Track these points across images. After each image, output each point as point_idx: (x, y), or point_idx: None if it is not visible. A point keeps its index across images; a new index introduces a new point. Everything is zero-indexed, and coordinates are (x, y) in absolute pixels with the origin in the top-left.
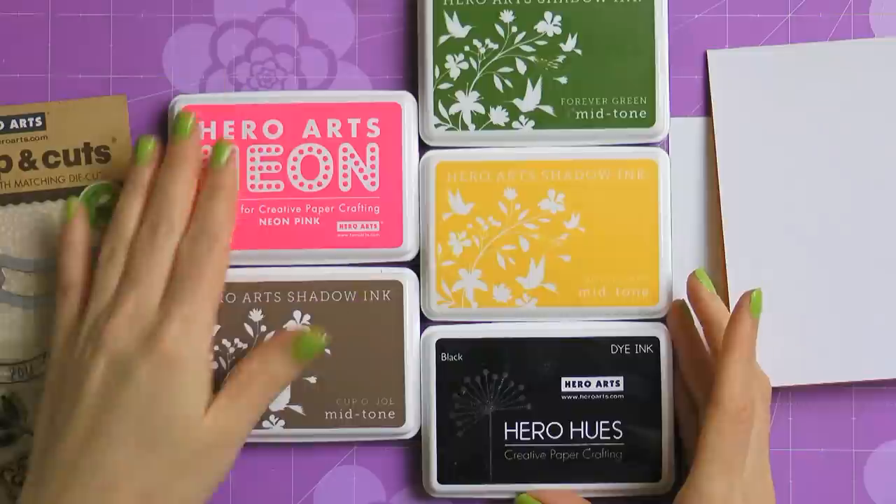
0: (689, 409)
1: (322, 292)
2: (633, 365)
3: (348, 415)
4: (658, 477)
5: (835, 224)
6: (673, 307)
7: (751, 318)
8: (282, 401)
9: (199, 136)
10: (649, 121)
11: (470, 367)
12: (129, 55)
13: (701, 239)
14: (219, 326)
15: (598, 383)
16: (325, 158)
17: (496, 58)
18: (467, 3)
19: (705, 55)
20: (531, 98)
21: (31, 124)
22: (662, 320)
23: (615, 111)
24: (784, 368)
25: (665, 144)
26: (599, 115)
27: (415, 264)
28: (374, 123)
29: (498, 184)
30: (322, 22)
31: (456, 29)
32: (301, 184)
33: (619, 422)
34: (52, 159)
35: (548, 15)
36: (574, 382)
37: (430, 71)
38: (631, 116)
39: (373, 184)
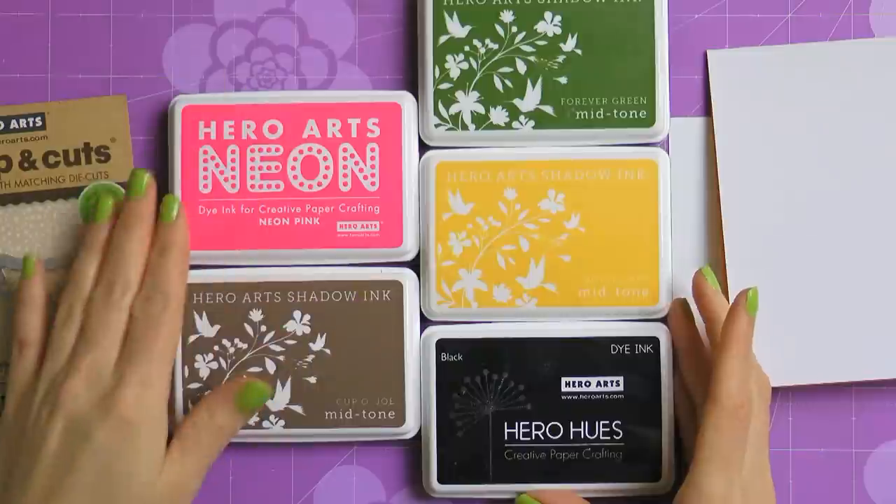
0: (690, 409)
1: (322, 292)
2: (633, 365)
3: (348, 415)
4: (658, 477)
5: (835, 224)
6: (673, 305)
7: (747, 315)
8: (282, 401)
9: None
10: (649, 121)
11: (470, 367)
12: (129, 55)
13: (701, 239)
14: (219, 327)
15: (598, 383)
16: (325, 158)
17: (496, 58)
18: (467, 3)
19: (705, 55)
20: (531, 98)
21: (31, 124)
22: (662, 320)
23: (615, 111)
24: (784, 368)
25: (665, 144)
26: (599, 115)
27: (415, 264)
28: (374, 123)
29: (498, 184)
30: (322, 22)
31: (456, 29)
32: (301, 184)
33: (619, 422)
34: (52, 159)
35: (548, 15)
36: (574, 382)
37: (430, 71)
38: (631, 116)
39: (373, 184)
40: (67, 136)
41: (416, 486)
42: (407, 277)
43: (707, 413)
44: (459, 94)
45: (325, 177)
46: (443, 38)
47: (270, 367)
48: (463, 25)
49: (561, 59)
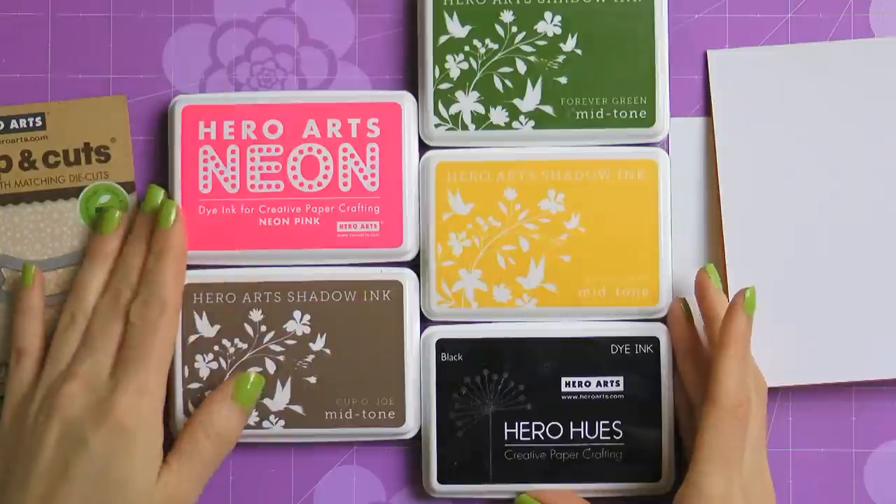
0: (690, 409)
1: (322, 292)
2: (633, 365)
3: (348, 415)
4: (658, 477)
5: (835, 224)
6: (673, 305)
7: (745, 315)
8: (282, 401)
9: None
10: (649, 121)
11: (470, 367)
12: (129, 55)
13: (701, 239)
14: (219, 327)
15: (598, 383)
16: (325, 158)
17: (496, 58)
18: (467, 3)
19: (705, 55)
20: (531, 98)
21: (31, 124)
22: (662, 320)
23: (615, 111)
24: (784, 368)
25: (665, 144)
26: (599, 115)
27: (415, 264)
28: (374, 123)
29: (498, 184)
30: (322, 22)
31: (456, 29)
32: (301, 184)
33: (618, 422)
34: (52, 159)
35: (548, 15)
36: (574, 382)
37: (430, 71)
38: (631, 116)
39: (373, 184)
40: (67, 136)
41: (416, 486)
42: (407, 277)
43: (706, 413)
44: (459, 94)
45: (325, 177)
46: (443, 38)
47: (270, 367)
48: (463, 25)
49: (561, 59)
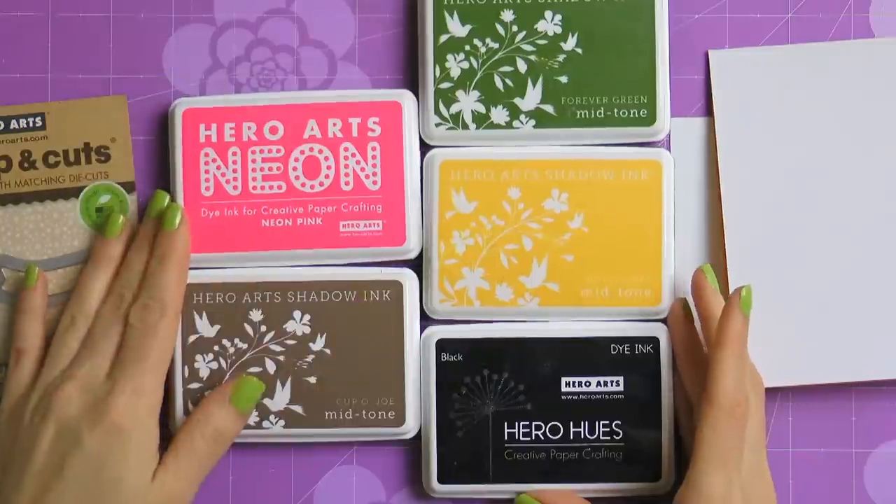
0: (690, 409)
1: (322, 292)
2: (633, 365)
3: (348, 415)
4: (658, 477)
5: (835, 224)
6: (673, 305)
7: (741, 314)
8: (282, 401)
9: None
10: (650, 120)
11: (470, 366)
12: (129, 55)
13: (702, 238)
14: (219, 327)
15: (598, 383)
16: (326, 158)
17: (497, 57)
18: (468, 2)
19: (706, 55)
20: (532, 97)
21: (31, 124)
22: (664, 320)
23: (616, 110)
24: (785, 368)
25: (666, 144)
26: (600, 114)
27: (418, 263)
28: (374, 122)
29: (502, 182)
30: (322, 22)
31: (456, 28)
32: (303, 184)
33: (618, 422)
34: (52, 159)
35: (548, 14)
36: (574, 382)
37: (430, 70)
38: (631, 115)
39: (374, 182)
40: (67, 136)
41: (416, 486)
42: (407, 277)
43: (703, 413)
44: (460, 94)
45: (327, 177)
46: (443, 38)
47: (270, 367)
48: (463, 25)
49: (561, 58)
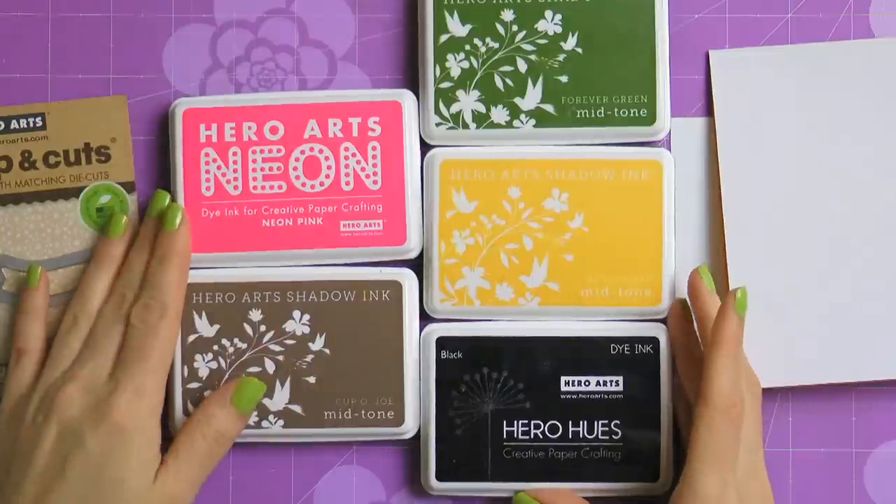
0: (689, 410)
1: (322, 292)
2: (632, 365)
3: (347, 415)
4: (656, 477)
5: (835, 223)
6: (673, 305)
7: (736, 315)
8: (281, 400)
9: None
10: (650, 119)
11: (470, 365)
12: (129, 55)
13: (702, 239)
14: (218, 327)
15: (598, 383)
16: (326, 158)
17: (497, 56)
18: (468, 1)
19: (706, 55)
20: (532, 97)
21: (31, 124)
22: (664, 321)
23: (616, 109)
24: (784, 368)
25: (666, 144)
26: (600, 113)
27: (419, 262)
28: (374, 122)
29: (502, 182)
30: (322, 22)
31: (456, 28)
32: (303, 184)
33: (617, 422)
34: (52, 159)
35: (548, 13)
36: (573, 382)
37: (430, 70)
38: (631, 115)
39: (375, 182)
40: (67, 136)
41: (416, 485)
42: (406, 277)
43: (699, 413)
44: (460, 93)
45: (328, 176)
46: (443, 37)
47: (270, 366)
48: (463, 24)
49: (561, 57)
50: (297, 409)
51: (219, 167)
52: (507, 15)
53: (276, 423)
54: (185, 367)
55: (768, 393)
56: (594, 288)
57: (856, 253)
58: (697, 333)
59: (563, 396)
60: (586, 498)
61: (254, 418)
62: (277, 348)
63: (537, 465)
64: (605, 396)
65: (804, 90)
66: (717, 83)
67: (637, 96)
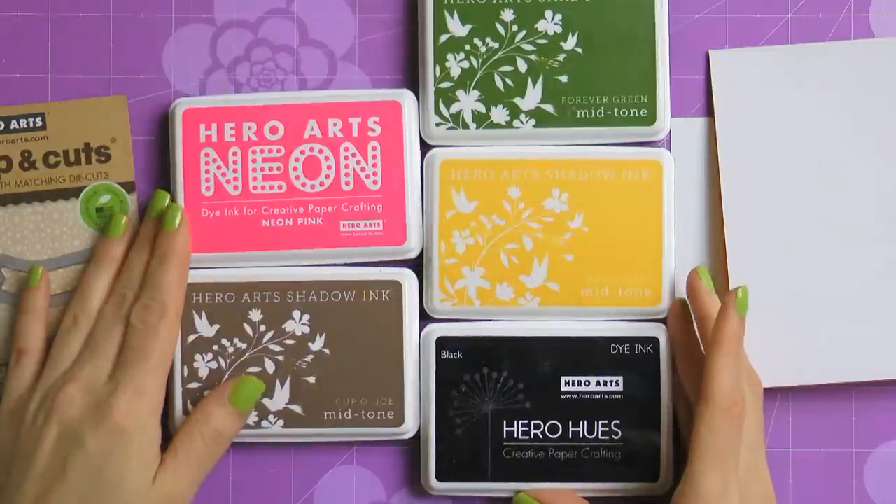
0: (690, 410)
1: (321, 292)
2: (632, 365)
3: (347, 415)
4: (656, 477)
5: (836, 223)
6: (673, 306)
7: (737, 315)
8: (281, 400)
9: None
10: (650, 119)
11: (470, 364)
12: (129, 55)
13: (702, 239)
14: (218, 327)
15: (598, 383)
16: (326, 158)
17: (497, 56)
18: (468, 1)
19: (706, 55)
20: (532, 96)
21: (31, 124)
22: (664, 321)
23: (616, 109)
24: (784, 368)
25: (666, 144)
26: (600, 113)
27: (419, 262)
28: (374, 122)
29: (502, 182)
30: (322, 22)
31: (456, 28)
32: (303, 184)
33: (618, 422)
34: (52, 159)
35: (548, 13)
36: (574, 382)
37: (430, 70)
38: (631, 115)
39: (375, 182)
40: (67, 136)
41: (416, 485)
42: (406, 277)
43: (700, 412)
44: (460, 93)
45: (328, 176)
46: (443, 37)
47: (269, 366)
48: (463, 24)
49: (561, 57)
50: (296, 409)
51: (219, 167)
52: (507, 15)
53: (275, 423)
54: (185, 367)
55: (768, 393)
56: (594, 288)
57: (856, 253)
58: (697, 333)
59: (563, 396)
60: (586, 498)
61: (254, 418)
62: (277, 348)
63: (537, 465)
64: (605, 396)
65: (804, 90)
66: (717, 83)
67: (637, 96)
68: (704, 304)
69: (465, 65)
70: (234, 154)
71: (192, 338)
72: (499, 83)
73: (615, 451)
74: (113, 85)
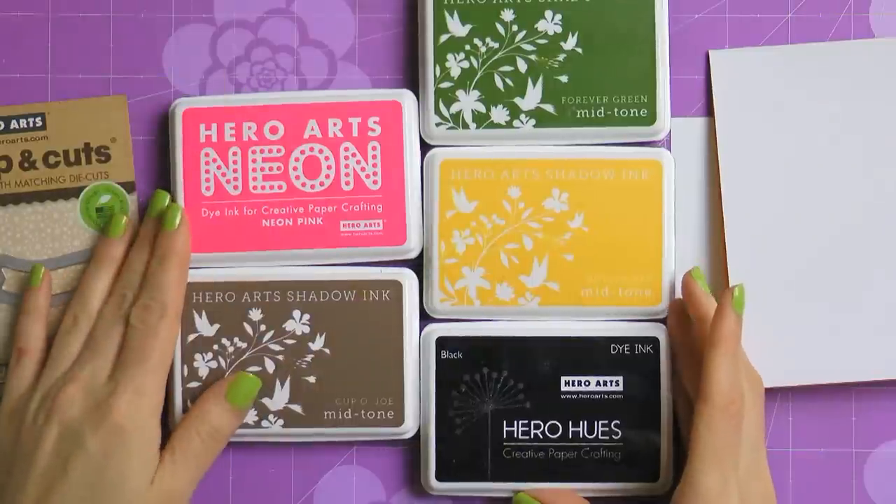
0: (690, 408)
1: (322, 292)
2: (632, 365)
3: (347, 414)
4: (656, 477)
5: (835, 223)
6: (673, 306)
7: (734, 313)
8: (281, 400)
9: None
10: (650, 119)
11: (470, 364)
12: (129, 55)
13: (702, 239)
14: (218, 326)
15: (598, 383)
16: (326, 158)
17: (497, 56)
18: (468, 1)
19: (706, 55)
20: (532, 96)
21: (31, 124)
22: (664, 321)
23: (616, 109)
24: (785, 368)
25: (666, 144)
26: (600, 113)
27: (419, 262)
28: (374, 122)
29: (502, 182)
30: (322, 22)
31: (456, 28)
32: (303, 184)
33: (618, 422)
34: (52, 159)
35: (548, 13)
36: (574, 382)
37: (430, 70)
38: (631, 115)
39: (375, 182)
40: (67, 136)
41: (416, 485)
42: (406, 277)
43: (698, 411)
44: (460, 93)
45: (328, 176)
46: (443, 37)
47: (269, 366)
48: (463, 24)
49: (561, 57)
50: (296, 408)
51: (219, 167)
52: (507, 15)
53: (275, 422)
54: (185, 367)
55: (768, 393)
56: (594, 288)
57: (856, 253)
58: (696, 334)
59: (563, 396)
60: (586, 498)
61: (253, 418)
62: (277, 348)
63: (537, 465)
64: (605, 396)
65: (804, 90)
66: (717, 83)
67: (637, 96)
68: (701, 305)
69: (465, 65)
70: (234, 154)
71: (192, 337)
72: (499, 83)
73: (615, 451)
74: (113, 85)
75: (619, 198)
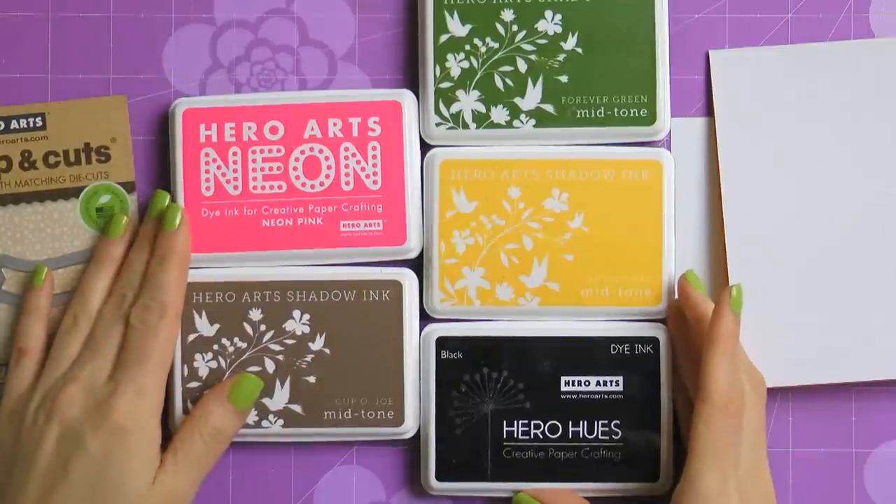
0: (690, 409)
1: (322, 292)
2: (632, 365)
3: (347, 414)
4: (656, 477)
5: (835, 223)
6: (673, 306)
7: (732, 313)
8: (281, 400)
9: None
10: (650, 119)
11: (470, 364)
12: (129, 55)
13: (702, 239)
14: (218, 326)
15: (598, 383)
16: (326, 158)
17: (497, 56)
18: (468, 1)
19: (706, 55)
20: (532, 96)
21: (31, 124)
22: (664, 321)
23: (616, 109)
24: (785, 368)
25: (666, 144)
26: (600, 113)
27: (419, 262)
28: (374, 122)
29: (502, 182)
30: (322, 22)
31: (456, 28)
32: (303, 184)
33: (618, 422)
34: (52, 159)
35: (548, 13)
36: (574, 382)
37: (430, 70)
38: (631, 115)
39: (375, 182)
40: (67, 136)
41: (416, 485)
42: (406, 277)
43: (698, 411)
44: (460, 93)
45: (328, 176)
46: (443, 37)
47: (270, 366)
48: (463, 24)
49: (561, 57)
50: (296, 408)
51: (219, 167)
52: (507, 15)
53: (275, 422)
54: (185, 367)
55: (768, 393)
56: (594, 288)
57: (856, 253)
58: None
59: (563, 396)
60: (586, 498)
61: (253, 418)
62: (277, 348)
63: (537, 465)
64: (605, 396)
65: (804, 90)
66: (717, 83)
67: (637, 96)
68: (698, 307)
69: (465, 65)
70: (234, 154)
71: (192, 337)
72: (499, 83)
73: (615, 451)
74: (113, 85)
75: (619, 198)
